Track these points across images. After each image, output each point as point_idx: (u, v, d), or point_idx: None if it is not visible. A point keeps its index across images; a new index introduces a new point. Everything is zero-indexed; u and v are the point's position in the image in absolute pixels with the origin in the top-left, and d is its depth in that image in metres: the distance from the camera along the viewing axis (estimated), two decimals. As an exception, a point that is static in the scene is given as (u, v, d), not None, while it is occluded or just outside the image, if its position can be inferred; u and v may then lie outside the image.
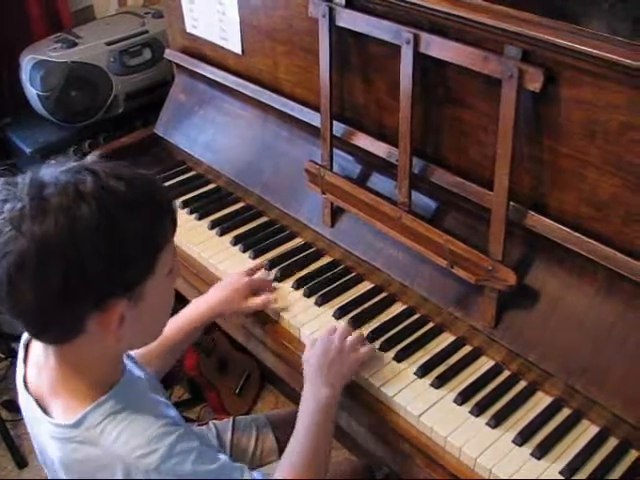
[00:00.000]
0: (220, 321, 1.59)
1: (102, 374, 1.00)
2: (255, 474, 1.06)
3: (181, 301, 1.40)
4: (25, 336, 1.10)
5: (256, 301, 1.47)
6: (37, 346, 1.06)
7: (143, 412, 0.98)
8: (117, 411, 0.96)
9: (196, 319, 1.40)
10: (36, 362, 1.06)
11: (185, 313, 1.40)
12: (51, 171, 0.91)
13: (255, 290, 1.49)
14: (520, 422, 1.21)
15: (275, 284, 1.54)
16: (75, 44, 2.23)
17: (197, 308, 1.42)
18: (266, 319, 1.49)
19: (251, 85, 1.77)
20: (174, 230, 1.02)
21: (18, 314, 0.92)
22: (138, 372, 1.11)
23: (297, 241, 1.69)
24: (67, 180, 0.89)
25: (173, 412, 1.04)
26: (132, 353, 1.15)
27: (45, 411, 1.01)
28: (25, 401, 1.05)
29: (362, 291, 1.52)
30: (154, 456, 0.94)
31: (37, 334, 0.97)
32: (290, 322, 1.45)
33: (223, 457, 1.04)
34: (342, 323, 1.42)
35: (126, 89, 2.30)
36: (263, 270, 1.58)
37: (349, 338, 1.31)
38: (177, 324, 1.37)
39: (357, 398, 1.31)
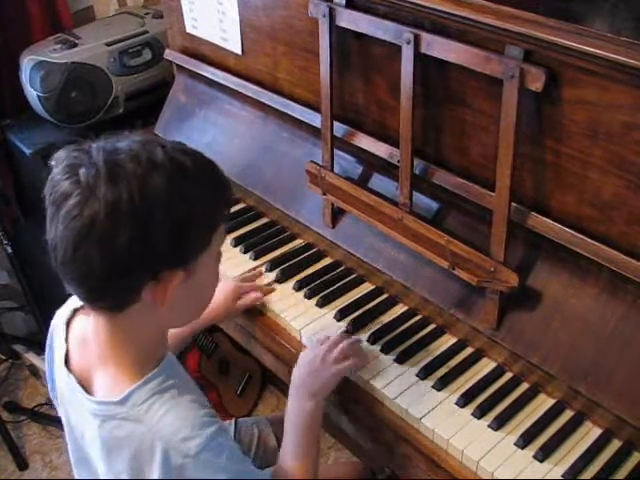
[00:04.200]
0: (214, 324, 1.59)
1: (150, 348, 1.03)
2: None
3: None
4: (66, 314, 1.12)
5: (244, 300, 1.47)
6: (82, 321, 1.09)
7: (187, 394, 1.01)
8: (163, 389, 0.99)
9: (184, 330, 1.38)
10: (81, 338, 1.08)
11: None
12: (122, 140, 0.95)
13: (244, 293, 1.49)
14: (522, 424, 1.21)
15: (276, 285, 1.54)
16: (75, 45, 2.22)
17: None
18: (267, 320, 1.49)
19: (251, 85, 1.77)
20: (228, 212, 1.06)
21: (79, 278, 0.94)
22: None
23: (298, 242, 1.68)
24: (139, 149, 0.93)
25: (205, 400, 1.07)
26: None
27: (86, 390, 1.03)
28: (65, 379, 1.07)
29: (363, 293, 1.51)
30: (195, 442, 0.95)
31: (94, 300, 0.98)
32: (291, 324, 1.44)
33: (248, 459, 1.07)
34: (342, 325, 1.41)
35: (126, 90, 2.29)
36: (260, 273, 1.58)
37: (338, 348, 1.28)
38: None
39: (358, 400, 1.31)
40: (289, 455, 1.20)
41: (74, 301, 1.12)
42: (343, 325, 1.41)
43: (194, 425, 0.97)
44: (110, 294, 0.96)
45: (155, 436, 0.96)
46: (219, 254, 1.06)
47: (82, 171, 0.90)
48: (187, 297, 1.00)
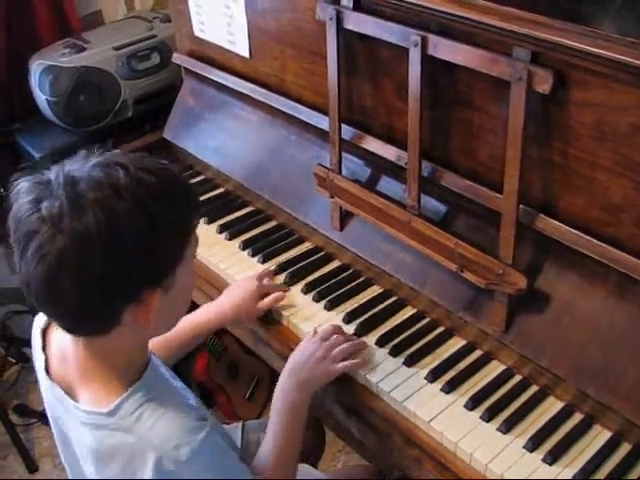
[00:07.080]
0: (229, 325, 1.59)
1: (131, 362, 1.02)
2: None
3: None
4: (40, 323, 1.10)
5: (264, 302, 1.47)
6: (60, 335, 1.06)
7: (174, 399, 1.01)
8: (150, 399, 0.98)
9: (202, 326, 1.41)
10: (60, 351, 1.06)
11: (192, 318, 1.40)
12: (79, 167, 0.92)
13: (264, 295, 1.49)
14: (531, 427, 1.20)
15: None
16: (84, 49, 2.23)
17: (206, 315, 1.42)
18: (275, 323, 1.49)
19: (259, 89, 1.77)
20: (198, 216, 1.05)
21: (57, 313, 0.93)
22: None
23: (306, 245, 1.68)
24: (99, 175, 0.90)
25: (192, 399, 1.07)
26: None
27: (72, 397, 1.02)
28: (49, 388, 1.06)
29: (371, 295, 1.51)
30: (186, 448, 0.95)
31: (73, 330, 0.97)
32: (299, 326, 1.44)
33: (234, 454, 1.07)
34: (351, 328, 1.41)
35: (135, 93, 2.30)
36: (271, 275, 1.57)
37: (339, 348, 1.31)
38: (183, 328, 1.37)
39: (367, 403, 1.30)
40: (269, 445, 1.21)
41: None
42: (352, 328, 1.41)
43: (185, 431, 0.96)
44: (90, 322, 0.95)
45: (147, 446, 0.95)
46: (194, 255, 1.05)
47: (45, 205, 0.87)
48: (169, 307, 1.00)
